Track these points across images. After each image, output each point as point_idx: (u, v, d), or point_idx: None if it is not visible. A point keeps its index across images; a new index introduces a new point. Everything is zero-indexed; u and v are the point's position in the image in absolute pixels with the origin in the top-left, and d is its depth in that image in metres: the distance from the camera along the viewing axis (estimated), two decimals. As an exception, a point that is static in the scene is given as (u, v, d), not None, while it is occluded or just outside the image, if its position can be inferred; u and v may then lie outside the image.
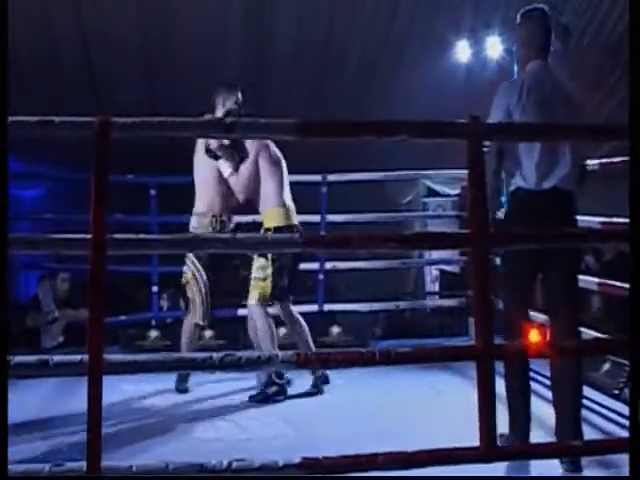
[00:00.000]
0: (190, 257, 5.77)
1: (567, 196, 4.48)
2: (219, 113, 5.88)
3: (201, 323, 5.93)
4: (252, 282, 5.76)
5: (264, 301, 5.75)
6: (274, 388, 5.66)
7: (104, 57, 8.45)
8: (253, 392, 5.74)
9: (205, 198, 5.82)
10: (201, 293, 5.83)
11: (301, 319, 6.01)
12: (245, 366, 3.24)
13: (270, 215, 5.76)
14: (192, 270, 5.81)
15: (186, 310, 6.03)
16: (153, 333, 7.42)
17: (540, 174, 4.42)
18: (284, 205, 5.78)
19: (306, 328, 5.97)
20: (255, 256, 5.71)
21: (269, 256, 5.61)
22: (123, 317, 7.51)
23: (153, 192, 7.60)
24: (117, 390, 5.54)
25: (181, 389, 5.92)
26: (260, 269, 5.72)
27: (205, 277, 5.82)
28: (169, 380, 5.90)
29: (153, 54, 8.73)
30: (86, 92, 8.60)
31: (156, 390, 5.83)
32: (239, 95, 5.93)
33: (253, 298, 5.76)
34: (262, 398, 5.65)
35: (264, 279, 5.70)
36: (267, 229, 5.72)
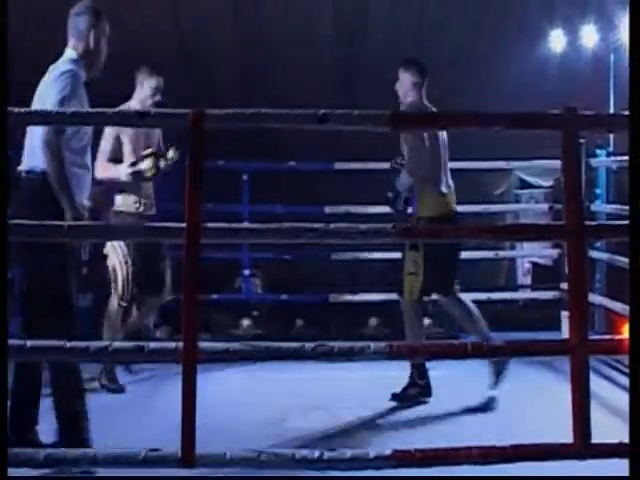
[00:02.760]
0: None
1: None
2: (138, 92, 5.97)
3: (123, 304, 5.97)
4: (405, 277, 5.55)
5: (415, 295, 5.53)
6: (416, 389, 5.50)
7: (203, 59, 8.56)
8: (396, 391, 5.55)
9: None
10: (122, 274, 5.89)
11: (473, 308, 5.65)
12: (337, 356, 3.25)
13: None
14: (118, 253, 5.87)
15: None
16: (245, 322, 7.49)
17: None
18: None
19: (480, 318, 5.61)
20: (406, 250, 5.54)
21: (420, 249, 5.38)
22: (215, 296, 7.54)
23: (245, 177, 7.67)
24: (207, 377, 5.60)
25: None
26: (412, 263, 5.50)
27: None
28: (259, 368, 5.93)
29: (249, 56, 8.81)
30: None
31: (246, 377, 5.88)
32: (160, 80, 5.98)
33: (406, 293, 5.57)
34: (404, 398, 5.48)
35: (417, 274, 5.48)
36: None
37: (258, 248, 7.56)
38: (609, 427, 4.69)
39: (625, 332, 7.08)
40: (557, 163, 4.39)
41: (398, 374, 5.51)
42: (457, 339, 6.87)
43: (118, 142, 5.85)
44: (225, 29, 8.62)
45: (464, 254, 7.52)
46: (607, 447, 3.38)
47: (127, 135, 5.86)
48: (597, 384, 5.23)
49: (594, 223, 4.61)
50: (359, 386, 5.78)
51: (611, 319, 7.65)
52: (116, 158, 5.85)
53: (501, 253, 8.52)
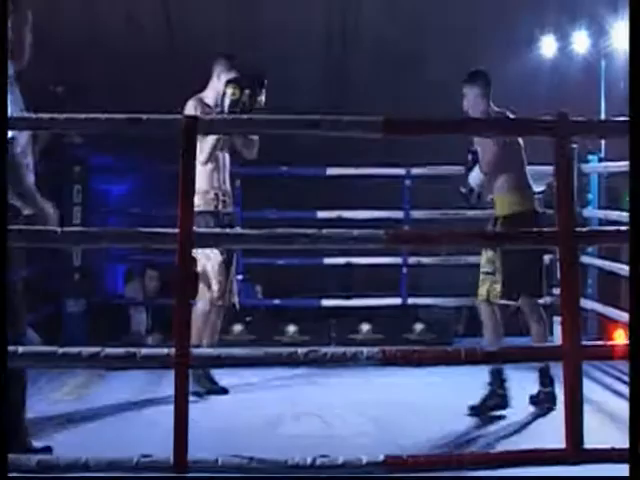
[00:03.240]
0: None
1: None
2: (214, 84, 5.78)
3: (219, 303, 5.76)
4: (481, 277, 5.44)
5: (492, 297, 5.38)
6: (495, 400, 5.24)
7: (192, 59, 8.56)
8: (474, 403, 5.28)
9: None
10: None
11: (544, 317, 5.51)
12: (330, 362, 3.25)
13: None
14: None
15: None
16: (237, 327, 7.47)
17: None
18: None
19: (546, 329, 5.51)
20: (483, 249, 5.41)
21: (498, 249, 5.23)
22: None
23: (238, 183, 7.67)
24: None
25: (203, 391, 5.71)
26: (488, 262, 5.39)
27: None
28: (253, 374, 5.94)
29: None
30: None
31: (240, 384, 5.87)
32: (238, 74, 5.77)
33: (481, 294, 5.44)
34: (482, 411, 5.22)
35: (493, 273, 5.34)
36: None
37: (251, 253, 7.55)
38: (602, 432, 4.71)
39: (617, 337, 7.12)
40: (548, 168, 4.41)
41: (389, 380, 5.52)
42: (450, 344, 6.90)
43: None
44: (216, 30, 8.62)
45: (453, 260, 7.58)
46: (599, 452, 3.39)
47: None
48: (590, 389, 5.27)
49: (586, 229, 4.63)
50: (351, 391, 5.78)
51: (603, 324, 7.67)
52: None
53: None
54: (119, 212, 8.81)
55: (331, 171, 7.67)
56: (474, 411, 5.21)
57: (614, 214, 7.46)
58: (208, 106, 5.75)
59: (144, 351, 3.29)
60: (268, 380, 6.00)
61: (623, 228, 3.69)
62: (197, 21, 8.49)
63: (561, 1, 8.98)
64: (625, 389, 5.97)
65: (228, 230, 5.32)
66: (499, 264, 5.30)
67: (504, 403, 5.23)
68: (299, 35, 8.67)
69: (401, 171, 7.68)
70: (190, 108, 5.66)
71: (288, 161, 7.56)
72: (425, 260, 7.75)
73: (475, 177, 5.47)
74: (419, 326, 7.50)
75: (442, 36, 8.88)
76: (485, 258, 5.40)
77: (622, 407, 5.51)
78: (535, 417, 5.18)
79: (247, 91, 5.59)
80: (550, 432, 4.38)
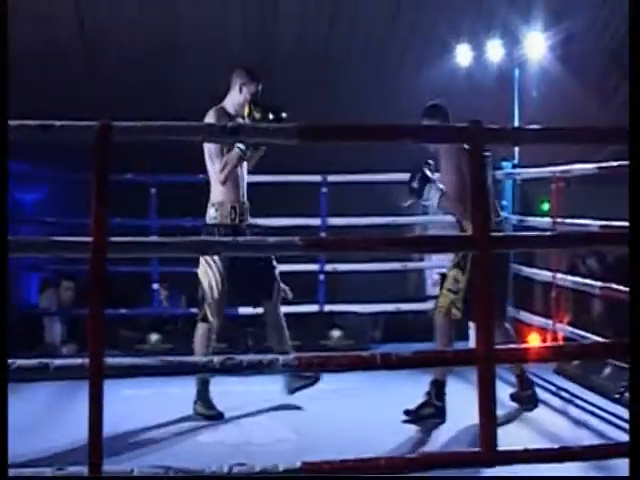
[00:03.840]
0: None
1: None
2: (234, 96, 5.65)
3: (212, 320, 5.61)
4: (443, 291, 5.43)
5: (452, 315, 5.38)
6: (430, 409, 5.22)
7: (107, 60, 8.47)
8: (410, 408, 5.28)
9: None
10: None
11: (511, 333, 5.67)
12: (246, 369, 3.23)
13: None
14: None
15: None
16: (154, 337, 7.41)
17: None
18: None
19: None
20: (450, 265, 5.43)
21: (467, 268, 5.24)
22: (123, 310, 7.47)
23: (154, 191, 7.60)
24: (117, 394, 5.52)
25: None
26: (453, 281, 5.38)
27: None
28: (170, 384, 5.87)
29: (156, 56, 8.75)
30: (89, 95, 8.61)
31: (157, 394, 5.81)
32: (259, 87, 5.68)
33: (441, 307, 5.41)
34: (414, 418, 5.19)
35: (456, 292, 5.34)
36: None
37: (175, 262, 7.50)
38: (515, 434, 4.80)
39: (531, 341, 7.25)
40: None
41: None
42: (367, 350, 6.93)
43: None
44: (132, 31, 8.55)
45: (371, 266, 7.63)
46: (513, 454, 3.44)
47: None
48: (505, 392, 5.37)
49: (500, 234, 4.68)
50: (269, 399, 5.77)
51: (518, 329, 7.80)
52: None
53: (410, 264, 8.63)
54: (33, 221, 8.67)
55: (248, 178, 7.63)
56: (409, 416, 5.21)
57: (528, 220, 7.61)
58: (230, 115, 5.64)
59: (57, 362, 3.23)
60: (186, 389, 5.95)
61: (536, 234, 3.77)
62: (111, 23, 8.41)
63: (475, 11, 9.14)
64: (536, 390, 6.10)
65: (146, 238, 5.27)
66: (463, 285, 5.29)
67: (440, 414, 5.22)
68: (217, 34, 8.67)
69: (317, 178, 7.70)
70: (210, 117, 5.57)
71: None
72: (342, 267, 7.79)
73: (433, 199, 5.44)
74: (336, 333, 7.53)
75: (358, 43, 8.95)
76: (451, 275, 5.39)
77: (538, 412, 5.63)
78: (449, 421, 5.23)
79: (270, 116, 5.53)
80: (464, 435, 4.46)
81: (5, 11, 3.48)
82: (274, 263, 5.69)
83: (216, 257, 5.40)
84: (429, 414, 5.21)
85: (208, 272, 5.51)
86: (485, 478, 3.92)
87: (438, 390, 5.25)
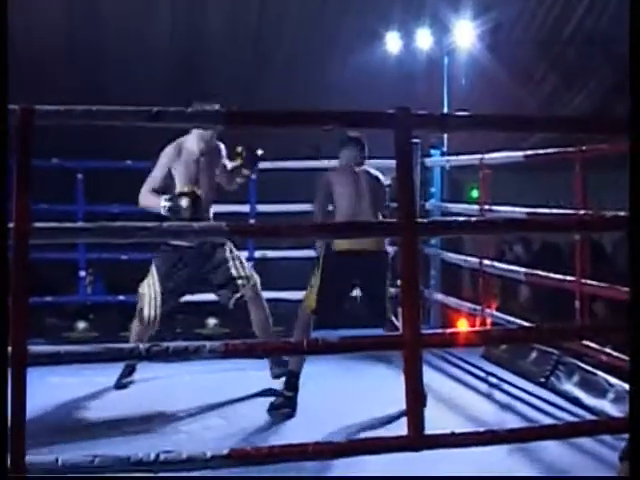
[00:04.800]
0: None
1: None
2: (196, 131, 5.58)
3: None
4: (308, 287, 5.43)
5: (308, 307, 5.34)
6: (280, 400, 5.23)
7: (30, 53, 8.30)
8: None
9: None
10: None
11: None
12: (172, 356, 3.20)
13: None
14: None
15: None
16: (81, 324, 7.32)
17: None
18: None
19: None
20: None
21: (320, 262, 5.33)
22: (49, 298, 7.37)
23: (80, 177, 7.50)
24: (43, 383, 5.43)
25: (120, 385, 5.84)
26: (312, 276, 5.41)
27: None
28: (96, 372, 5.81)
29: (81, 50, 8.62)
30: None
31: (83, 382, 5.73)
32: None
33: (303, 302, 5.42)
34: (269, 407, 5.21)
35: (311, 287, 5.38)
36: None
37: (96, 249, 7.41)
38: (442, 418, 4.85)
39: (460, 326, 7.33)
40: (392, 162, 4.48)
41: (237, 374, 5.53)
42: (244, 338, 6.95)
43: (169, 172, 5.56)
44: (56, 27, 8.41)
45: (294, 253, 7.61)
46: (440, 438, 3.47)
47: (182, 164, 5.57)
48: (431, 377, 5.42)
49: (426, 220, 4.72)
50: (196, 386, 5.75)
51: (446, 314, 7.89)
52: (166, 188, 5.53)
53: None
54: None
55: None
56: (269, 407, 5.22)
57: (456, 207, 7.68)
58: (189, 150, 5.63)
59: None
60: (113, 378, 5.89)
61: (462, 219, 3.80)
62: (37, 23, 8.26)
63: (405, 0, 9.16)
64: (463, 375, 6.18)
65: (68, 224, 5.19)
66: (317, 281, 5.35)
67: (290, 404, 5.21)
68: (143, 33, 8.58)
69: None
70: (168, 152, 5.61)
71: (133, 155, 7.43)
72: (272, 254, 7.77)
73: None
74: (212, 320, 7.53)
75: (288, 31, 8.93)
76: (313, 272, 5.42)
77: (460, 394, 5.72)
78: (378, 406, 5.26)
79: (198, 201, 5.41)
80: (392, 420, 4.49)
81: (5, 11, 3.40)
82: (229, 262, 5.67)
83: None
84: (279, 404, 5.23)
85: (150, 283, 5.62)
86: (484, 478, 3.97)
87: (290, 380, 5.27)
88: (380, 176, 5.63)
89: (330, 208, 5.51)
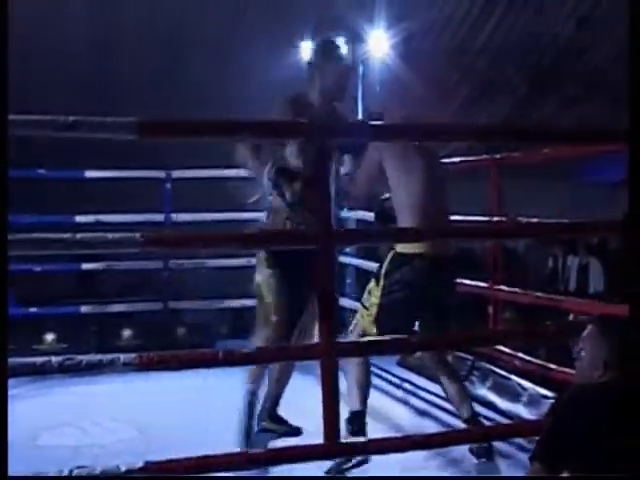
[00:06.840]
0: None
1: None
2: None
3: None
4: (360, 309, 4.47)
5: (368, 332, 4.27)
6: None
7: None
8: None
9: None
10: None
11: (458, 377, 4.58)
12: (86, 369, 3.16)
13: None
14: None
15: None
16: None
17: None
18: None
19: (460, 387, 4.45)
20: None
21: (381, 279, 4.29)
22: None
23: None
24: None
25: None
26: (368, 293, 4.41)
27: None
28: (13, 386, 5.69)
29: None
30: None
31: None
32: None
33: (352, 328, 4.46)
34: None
35: (368, 307, 4.34)
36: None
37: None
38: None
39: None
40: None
41: (151, 385, 5.47)
42: (214, 346, 6.91)
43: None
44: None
45: (216, 262, 7.57)
46: (356, 445, 3.49)
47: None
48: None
49: (342, 229, 4.74)
50: (112, 399, 5.67)
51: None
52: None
53: (254, 260, 8.61)
54: None
55: (90, 174, 7.46)
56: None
57: (371, 215, 7.72)
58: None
59: None
60: (26, 391, 5.78)
61: (378, 229, 3.83)
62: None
63: (319, 9, 9.23)
64: (379, 382, 6.22)
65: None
66: (376, 300, 4.33)
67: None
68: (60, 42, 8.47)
69: (161, 174, 7.58)
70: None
71: (46, 163, 7.30)
72: (187, 263, 7.71)
73: None
74: (182, 330, 7.47)
75: (202, 36, 8.92)
76: (368, 287, 4.47)
77: (376, 400, 5.74)
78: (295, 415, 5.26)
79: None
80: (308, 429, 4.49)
81: (5, 11, 3.30)
82: None
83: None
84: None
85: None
86: (483, 478, 3.98)
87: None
88: None
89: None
